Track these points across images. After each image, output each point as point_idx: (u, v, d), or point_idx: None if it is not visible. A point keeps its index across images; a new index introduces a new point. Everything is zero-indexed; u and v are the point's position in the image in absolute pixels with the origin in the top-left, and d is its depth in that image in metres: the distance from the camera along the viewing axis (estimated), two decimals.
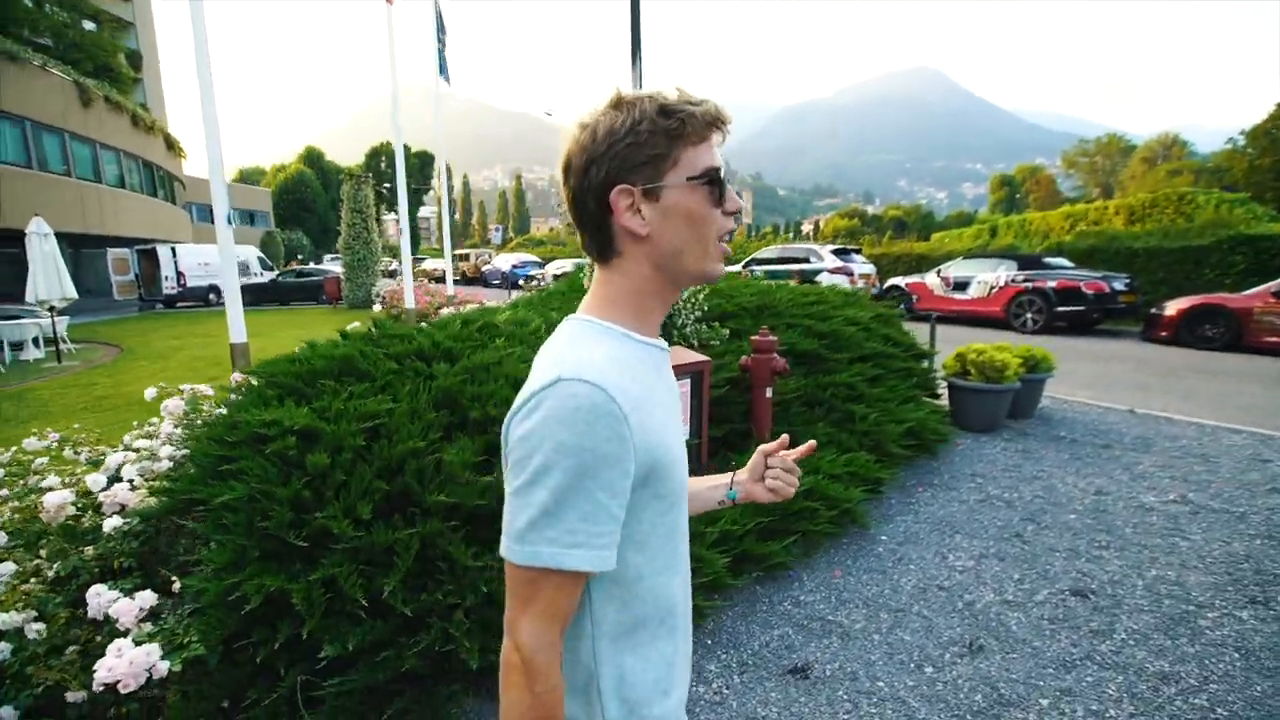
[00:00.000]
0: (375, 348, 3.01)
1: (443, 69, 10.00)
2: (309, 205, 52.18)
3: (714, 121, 0.73)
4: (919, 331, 5.88)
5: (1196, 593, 2.80)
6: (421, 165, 55.57)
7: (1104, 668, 2.32)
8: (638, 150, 0.70)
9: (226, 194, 4.67)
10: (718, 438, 3.79)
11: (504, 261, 27.58)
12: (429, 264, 29.47)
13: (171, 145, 27.37)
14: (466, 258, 31.57)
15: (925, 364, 5.43)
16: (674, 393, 0.81)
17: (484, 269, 28.74)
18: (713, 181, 0.72)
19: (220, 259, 4.80)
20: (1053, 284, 11.04)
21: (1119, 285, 10.81)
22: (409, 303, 8.85)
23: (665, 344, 0.80)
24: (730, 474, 1.01)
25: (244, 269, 23.47)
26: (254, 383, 2.79)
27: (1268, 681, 2.22)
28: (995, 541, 3.31)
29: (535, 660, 0.65)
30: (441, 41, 9.76)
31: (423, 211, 66.37)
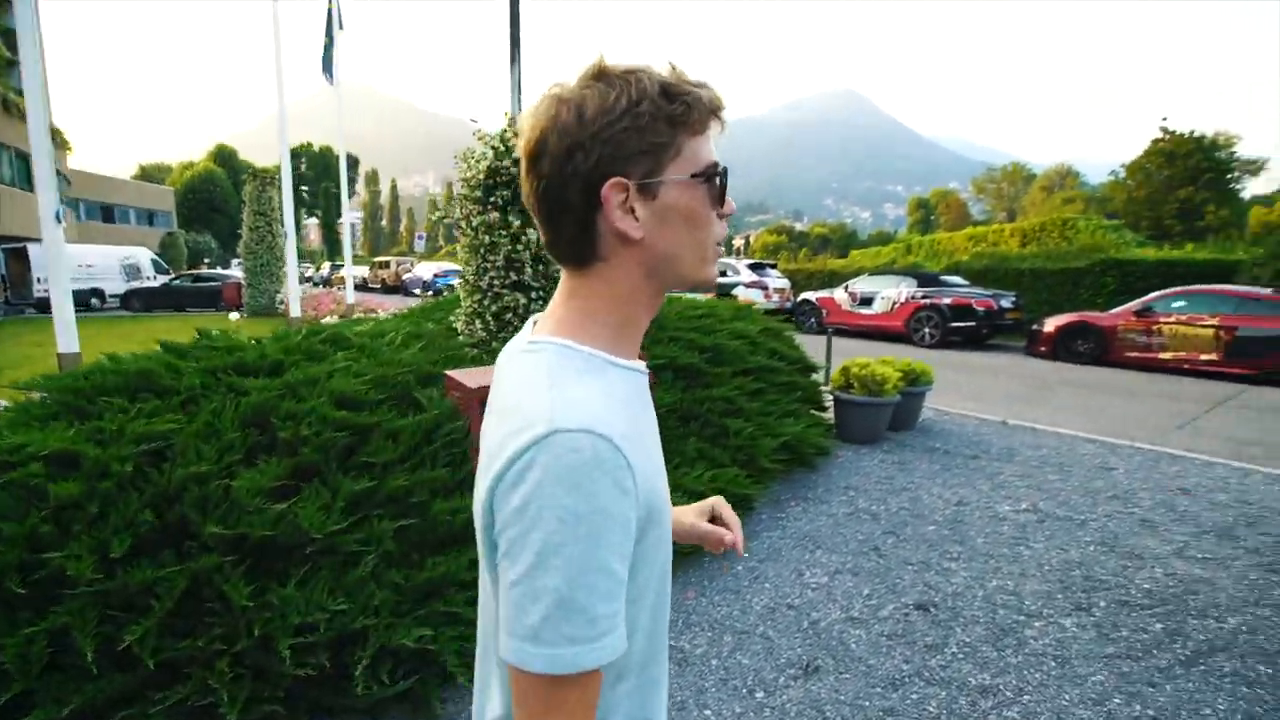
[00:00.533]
0: (190, 361, 2.73)
1: (327, 67, 9.50)
2: (218, 206, 49.18)
3: (717, 109, 0.62)
4: (820, 345, 5.98)
5: (1029, 601, 2.89)
6: (348, 168, 53.48)
7: (930, 684, 2.33)
8: (636, 137, 0.58)
9: (55, 182, 4.24)
10: None
11: (425, 270, 26.76)
12: (345, 271, 28.22)
13: (54, 136, 25.10)
14: (387, 265, 30.45)
15: (814, 377, 5.52)
16: (655, 421, 0.71)
17: (405, 277, 27.79)
18: (714, 179, 0.62)
19: (48, 260, 4.33)
20: (948, 300, 11.64)
21: (1006, 303, 11.52)
22: (294, 311, 8.31)
23: (644, 365, 0.69)
24: None
25: (134, 272, 21.73)
26: (37, 398, 2.47)
27: (1075, 689, 2.28)
28: (853, 556, 3.34)
29: None
30: (330, 37, 9.26)
31: (349, 216, 63.80)
